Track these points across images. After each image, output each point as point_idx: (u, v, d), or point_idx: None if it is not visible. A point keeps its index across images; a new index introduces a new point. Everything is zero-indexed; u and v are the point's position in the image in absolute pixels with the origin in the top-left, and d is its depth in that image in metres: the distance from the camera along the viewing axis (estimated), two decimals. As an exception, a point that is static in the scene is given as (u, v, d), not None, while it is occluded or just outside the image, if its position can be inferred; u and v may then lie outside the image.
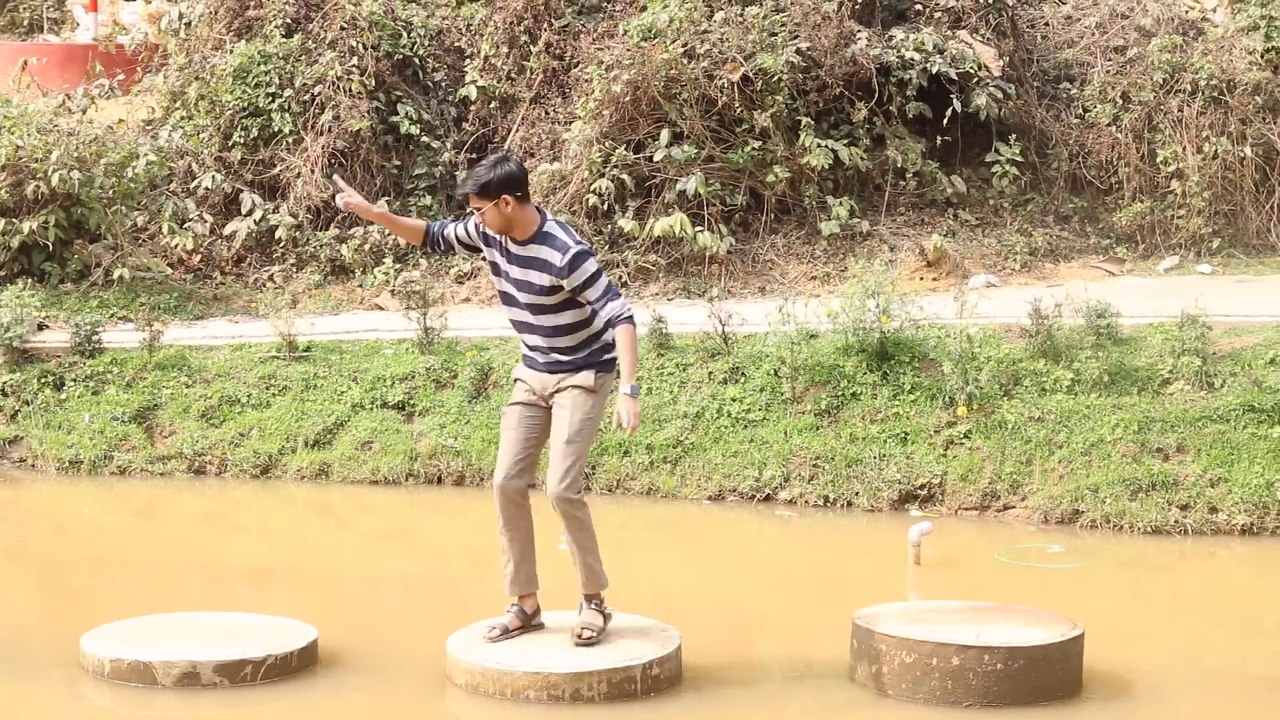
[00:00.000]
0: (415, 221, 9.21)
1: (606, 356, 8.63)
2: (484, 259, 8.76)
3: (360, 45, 17.13)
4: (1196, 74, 16.33)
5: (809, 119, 16.03)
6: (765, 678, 9.08)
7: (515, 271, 8.52)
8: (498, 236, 8.54)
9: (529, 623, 8.80)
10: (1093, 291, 13.89)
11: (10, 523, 13.00)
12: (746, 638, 9.98)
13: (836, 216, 15.96)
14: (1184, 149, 16.13)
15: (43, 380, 14.25)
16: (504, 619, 8.76)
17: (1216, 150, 16.03)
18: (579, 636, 8.61)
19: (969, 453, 12.62)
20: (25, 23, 26.00)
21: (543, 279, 8.45)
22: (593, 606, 8.71)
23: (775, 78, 15.86)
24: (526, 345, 8.69)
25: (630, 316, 8.44)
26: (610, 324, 8.47)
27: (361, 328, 15.03)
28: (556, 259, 8.39)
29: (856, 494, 12.52)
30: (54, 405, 14.13)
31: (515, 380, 8.80)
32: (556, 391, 8.61)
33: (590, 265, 8.39)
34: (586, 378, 8.58)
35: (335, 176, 10.28)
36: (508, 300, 8.66)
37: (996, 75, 16.45)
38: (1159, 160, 16.23)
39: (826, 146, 15.96)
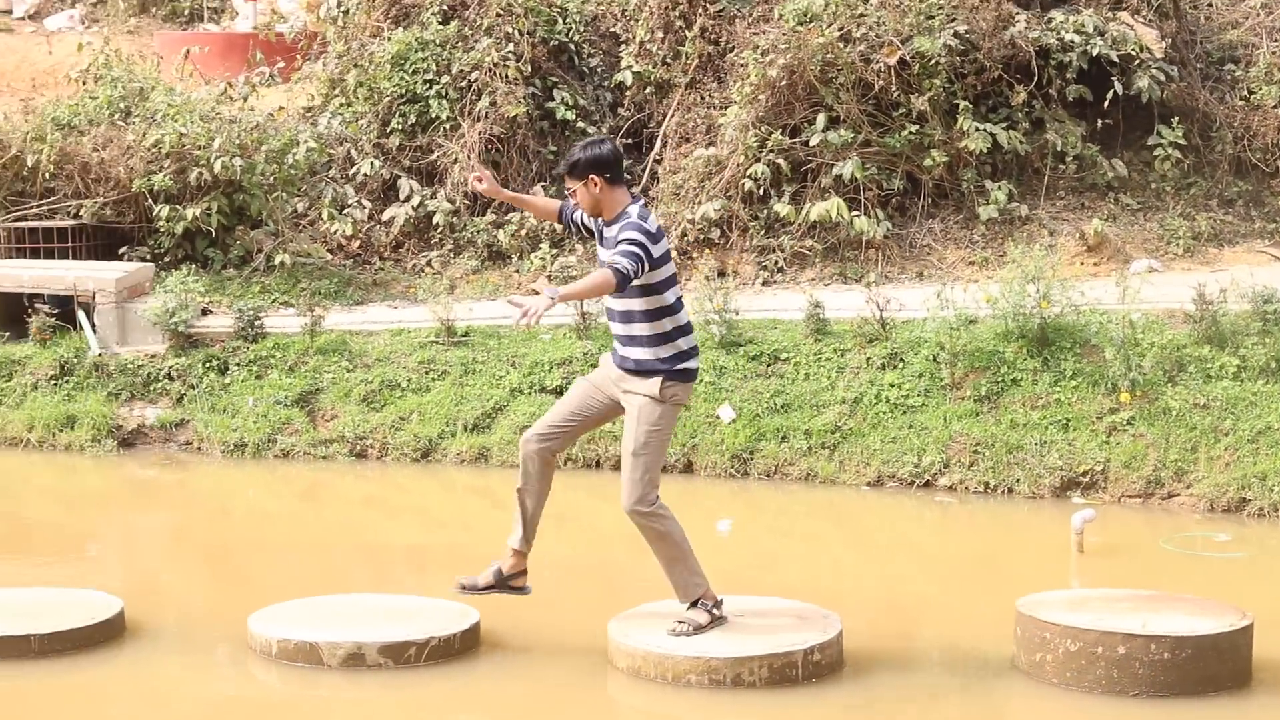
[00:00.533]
0: (549, 201, 9.31)
1: (680, 366, 8.49)
2: None
3: (516, 31, 17.21)
4: (1369, 53, 16.03)
5: (967, 102, 15.89)
6: (926, 665, 9.00)
7: (603, 254, 8.52)
8: (595, 220, 8.61)
9: (503, 583, 8.86)
10: (1259, 276, 13.68)
11: (177, 505, 13.23)
12: (907, 624, 9.91)
13: (995, 201, 15.81)
14: (1357, 131, 15.83)
15: (207, 365, 14.48)
16: (480, 576, 8.87)
17: (1394, 132, 15.72)
18: (672, 630, 8.56)
19: (1132, 440, 12.46)
20: (186, 12, 26.33)
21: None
22: (699, 607, 8.65)
23: (933, 61, 15.74)
24: (618, 342, 8.66)
25: (620, 272, 8.10)
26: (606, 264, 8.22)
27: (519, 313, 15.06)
28: (620, 233, 8.40)
29: (1017, 480, 12.42)
30: (219, 389, 14.34)
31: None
32: (626, 393, 8.57)
33: (632, 233, 8.28)
34: (654, 386, 8.46)
35: (475, 161, 10.37)
36: None
37: (1158, 57, 16.20)
38: (1330, 143, 15.95)
39: (985, 130, 15.82)
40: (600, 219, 8.57)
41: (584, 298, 8.31)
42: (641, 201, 8.58)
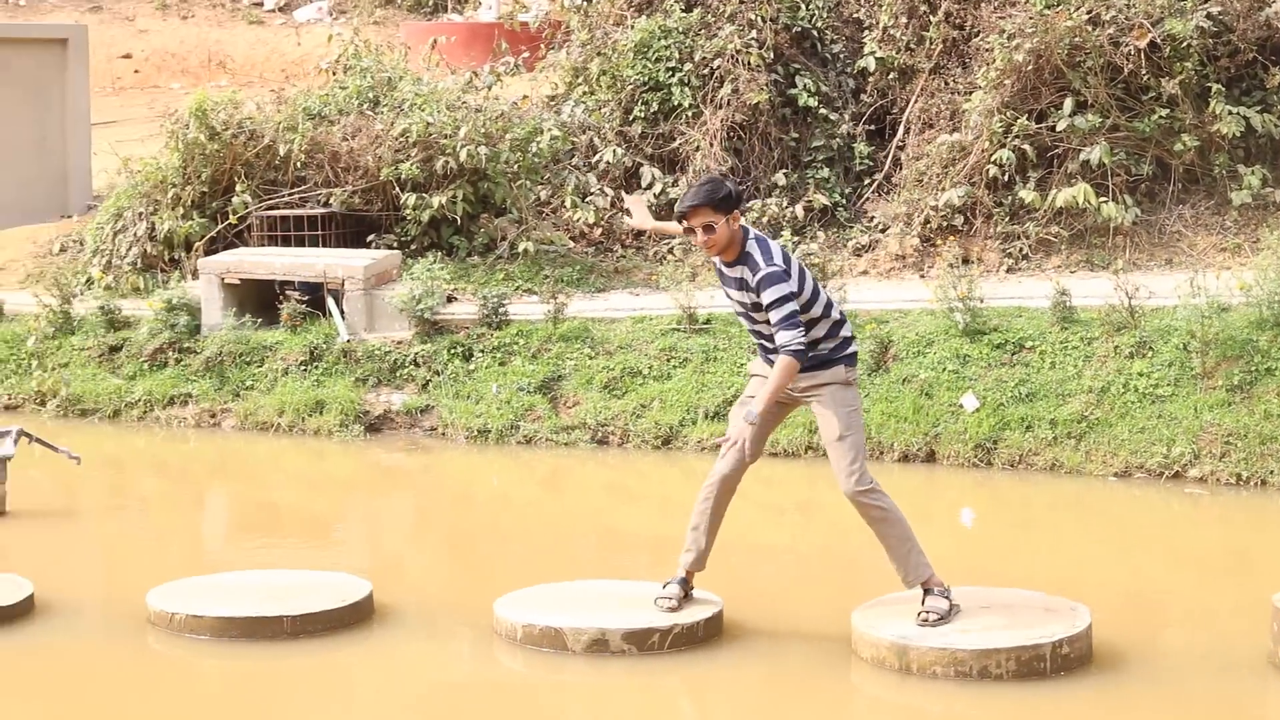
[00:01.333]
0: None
1: (849, 350, 8.65)
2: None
3: (759, 18, 17.17)
4: None
5: (1219, 85, 15.52)
6: (1177, 660, 8.82)
7: (731, 294, 8.69)
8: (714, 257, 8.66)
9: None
10: None
11: (422, 490, 13.42)
12: (1156, 619, 9.72)
13: (1248, 186, 15.43)
14: None
15: (452, 351, 14.66)
16: (675, 590, 8.94)
17: None
18: (922, 619, 8.51)
19: (1392, 431, 12.10)
20: (430, 3, 26.74)
21: (745, 298, 8.56)
22: (936, 593, 8.58)
23: (1184, 43, 15.40)
24: (764, 349, 8.72)
25: (797, 351, 8.30)
26: (780, 349, 8.36)
27: (762, 300, 15.05)
28: (750, 279, 8.45)
29: (1271, 472, 12.11)
30: (463, 375, 14.52)
31: (752, 376, 8.88)
32: (808, 389, 8.63)
33: (777, 290, 8.36)
34: (838, 373, 8.61)
35: (624, 193, 10.32)
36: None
37: None
38: None
39: (1238, 114, 15.43)
40: (721, 258, 8.59)
41: (780, 394, 8.42)
42: (753, 234, 8.61)
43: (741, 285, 8.54)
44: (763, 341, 8.71)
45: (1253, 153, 15.84)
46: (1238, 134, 15.40)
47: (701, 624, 8.84)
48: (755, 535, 11.76)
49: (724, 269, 8.62)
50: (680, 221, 8.67)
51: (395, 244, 16.36)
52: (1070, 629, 8.41)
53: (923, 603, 8.57)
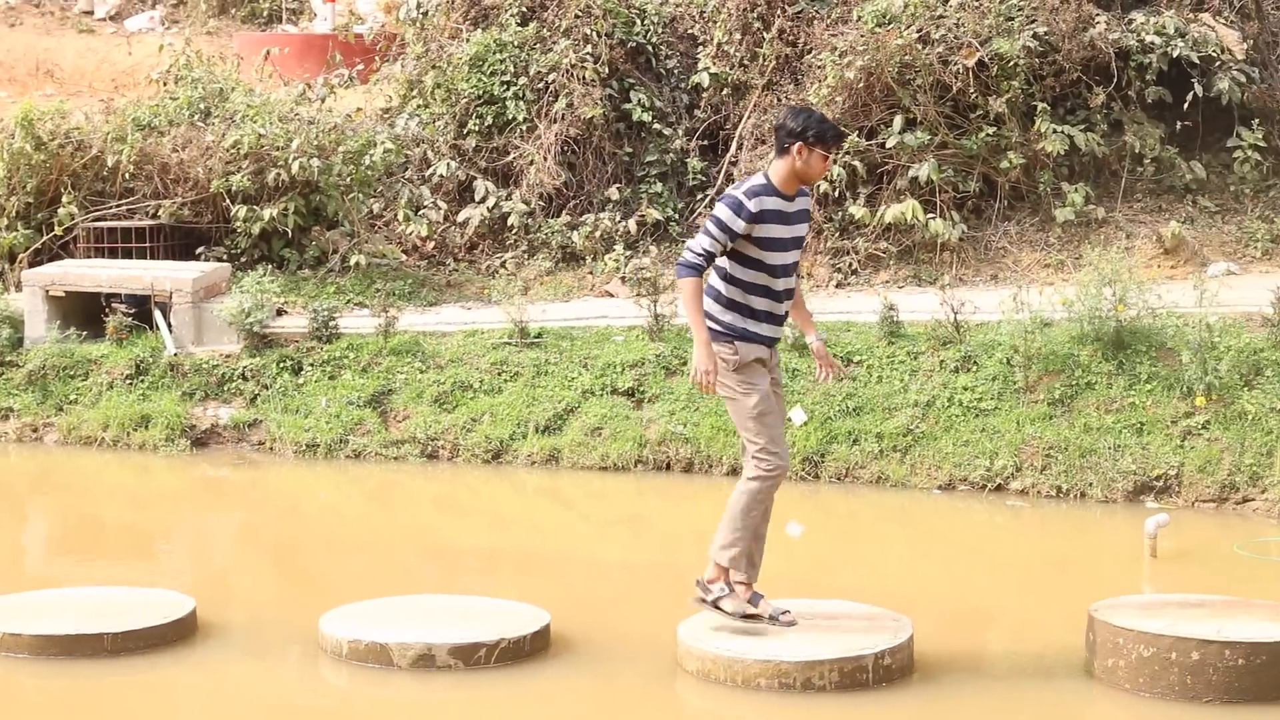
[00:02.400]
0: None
1: (739, 329, 8.51)
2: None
3: (594, 33, 17.22)
4: None
5: (1045, 104, 15.79)
6: (998, 670, 8.95)
7: (793, 230, 8.64)
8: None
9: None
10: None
11: (249, 505, 13.30)
12: (978, 629, 9.86)
13: (1071, 203, 15.70)
14: None
15: (281, 365, 14.54)
16: (771, 603, 8.68)
17: None
18: (699, 598, 8.73)
19: (1207, 444, 12.35)
20: (265, 13, 26.51)
21: (806, 229, 8.72)
22: (728, 592, 8.71)
23: (1011, 63, 15.65)
24: (776, 318, 8.61)
25: (684, 264, 8.33)
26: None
27: (592, 314, 15.11)
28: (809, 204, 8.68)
29: (1090, 485, 12.33)
30: (292, 389, 14.40)
31: (757, 360, 8.57)
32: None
33: (717, 206, 8.40)
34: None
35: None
36: None
37: (1239, 58, 16.06)
38: None
39: (1062, 132, 15.71)
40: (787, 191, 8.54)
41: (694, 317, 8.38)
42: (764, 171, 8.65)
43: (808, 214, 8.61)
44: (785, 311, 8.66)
45: (1076, 170, 16.13)
46: (1062, 152, 15.67)
47: (528, 638, 8.84)
48: (584, 549, 11.81)
49: (786, 206, 8.48)
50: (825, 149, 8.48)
51: (225, 257, 16.20)
52: (893, 640, 8.51)
53: (709, 583, 8.65)
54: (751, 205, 8.33)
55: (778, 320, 8.58)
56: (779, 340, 8.69)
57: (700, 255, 8.33)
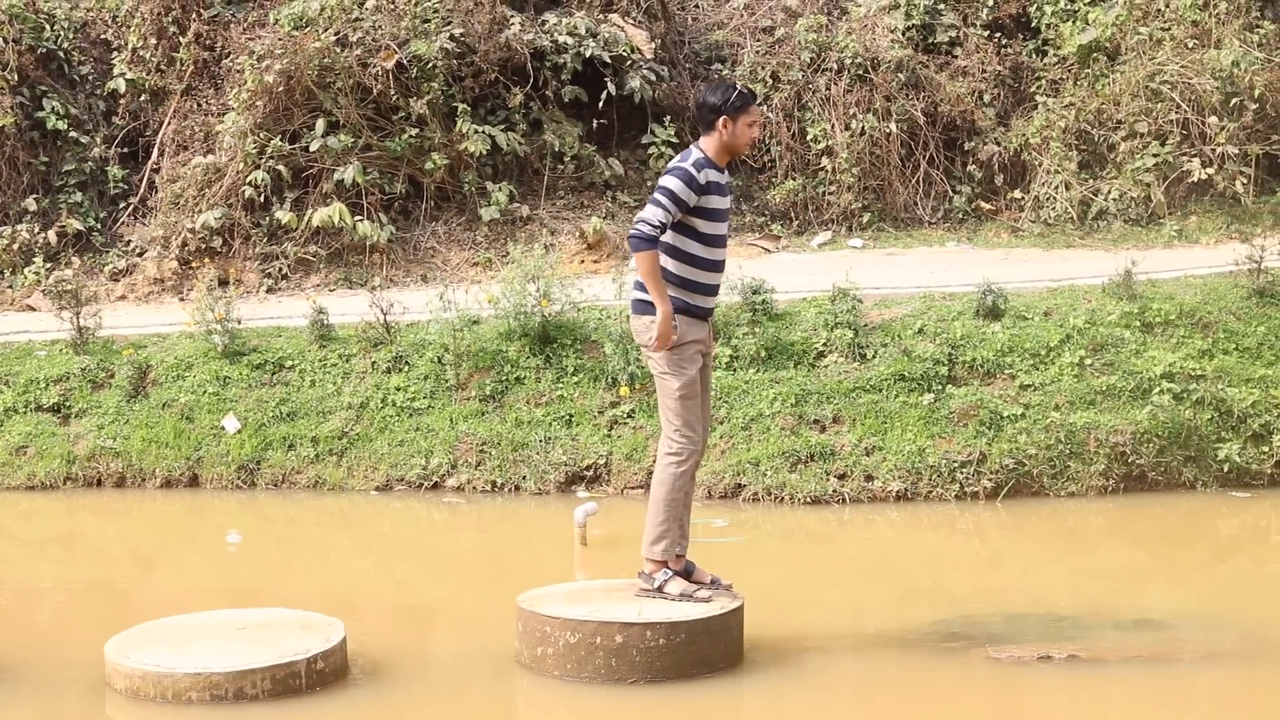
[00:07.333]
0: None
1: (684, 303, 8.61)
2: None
3: (1, 39, 16.64)
4: (842, 53, 16.73)
5: (465, 105, 16.03)
6: (435, 667, 9.03)
7: (725, 201, 8.79)
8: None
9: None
10: (749, 269, 14.15)
11: None
12: (417, 627, 9.95)
13: (496, 202, 15.99)
14: (832, 126, 16.52)
15: None
16: (702, 577, 8.85)
17: (864, 127, 16.45)
18: (640, 590, 8.84)
19: (633, 432, 12.76)
20: None
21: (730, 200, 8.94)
22: (666, 575, 8.82)
23: (430, 64, 15.84)
24: (713, 289, 8.72)
25: (638, 236, 8.38)
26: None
27: (12, 329, 14.62)
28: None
29: (524, 478, 12.59)
30: None
31: (694, 342, 8.63)
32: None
33: (666, 180, 8.46)
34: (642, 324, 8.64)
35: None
36: None
37: (649, 58, 16.64)
38: (809, 138, 16.60)
39: (484, 132, 15.98)
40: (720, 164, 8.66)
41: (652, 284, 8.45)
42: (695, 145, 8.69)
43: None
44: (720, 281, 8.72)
45: (500, 170, 16.43)
46: (485, 152, 15.93)
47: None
48: (14, 571, 11.42)
49: (720, 178, 8.57)
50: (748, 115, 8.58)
51: None
52: (325, 644, 8.49)
53: (650, 574, 8.75)
54: (700, 177, 8.47)
55: (714, 292, 8.72)
56: (713, 312, 8.79)
57: (655, 227, 8.39)
